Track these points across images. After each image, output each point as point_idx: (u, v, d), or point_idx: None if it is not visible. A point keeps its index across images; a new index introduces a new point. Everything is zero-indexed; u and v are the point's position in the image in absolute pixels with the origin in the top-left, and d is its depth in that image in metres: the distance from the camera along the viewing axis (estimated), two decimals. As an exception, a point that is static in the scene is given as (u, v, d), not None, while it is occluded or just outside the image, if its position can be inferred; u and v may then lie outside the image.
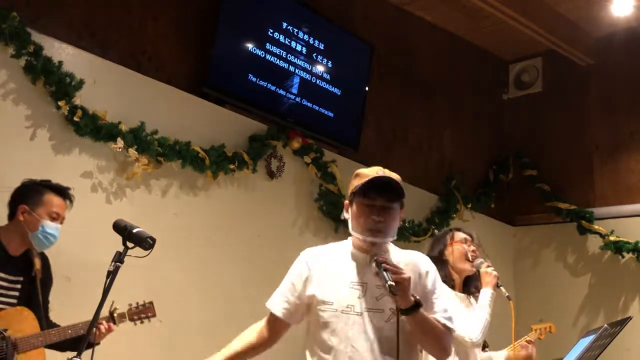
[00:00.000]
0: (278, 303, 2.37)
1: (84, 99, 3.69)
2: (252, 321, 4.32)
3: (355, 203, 2.21)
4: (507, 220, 6.37)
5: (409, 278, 2.10)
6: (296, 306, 2.33)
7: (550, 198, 6.06)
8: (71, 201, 3.02)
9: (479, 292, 3.09)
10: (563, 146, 6.22)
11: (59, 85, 3.61)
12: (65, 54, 3.74)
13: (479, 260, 3.11)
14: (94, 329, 2.84)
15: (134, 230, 2.44)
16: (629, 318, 3.04)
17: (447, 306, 2.26)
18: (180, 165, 4.09)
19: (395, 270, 2.08)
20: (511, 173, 6.38)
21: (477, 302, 3.06)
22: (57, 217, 2.92)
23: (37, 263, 2.94)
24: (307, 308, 2.31)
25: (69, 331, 2.84)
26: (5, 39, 3.47)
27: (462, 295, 3.14)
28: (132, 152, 3.84)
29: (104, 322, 2.93)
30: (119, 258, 2.37)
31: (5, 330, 2.66)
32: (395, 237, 2.27)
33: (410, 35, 5.88)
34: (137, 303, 3.13)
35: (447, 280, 3.14)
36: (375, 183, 2.18)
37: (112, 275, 2.34)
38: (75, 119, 3.64)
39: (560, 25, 5.71)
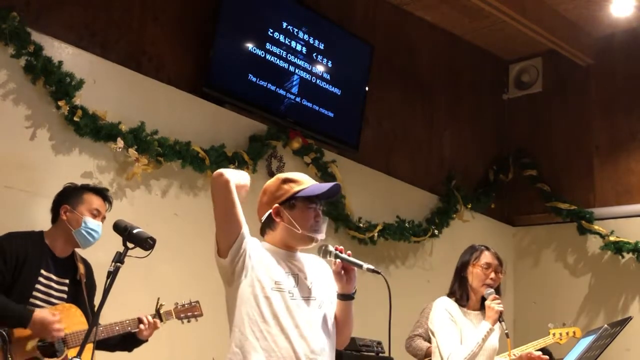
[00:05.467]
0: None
1: (84, 99, 3.69)
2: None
3: (299, 207, 2.33)
4: (507, 220, 6.37)
5: None
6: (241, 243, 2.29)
7: (550, 198, 6.07)
8: (110, 203, 3.10)
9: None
10: (563, 146, 6.22)
11: (59, 85, 3.61)
12: (65, 54, 3.74)
13: (489, 290, 3.11)
14: (136, 325, 2.98)
15: (134, 231, 2.45)
16: (629, 318, 3.04)
17: None
18: (180, 165, 4.09)
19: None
20: (511, 173, 6.38)
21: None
22: (97, 215, 3.00)
23: (81, 267, 3.02)
24: (240, 263, 2.29)
25: (117, 328, 2.93)
26: (5, 39, 3.47)
27: (475, 312, 3.16)
28: (132, 152, 3.84)
29: (149, 317, 3.01)
30: (119, 258, 2.38)
31: (5, 329, 2.67)
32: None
33: (410, 35, 5.88)
34: (184, 301, 3.22)
35: (463, 298, 3.17)
36: (327, 194, 2.34)
37: (112, 275, 2.35)
38: (75, 119, 3.64)
39: (560, 25, 5.72)
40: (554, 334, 3.83)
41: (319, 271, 2.40)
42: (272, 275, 2.28)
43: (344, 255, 2.28)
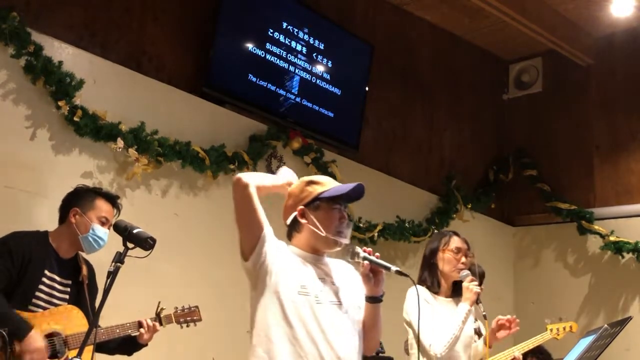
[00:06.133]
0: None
1: (84, 99, 3.69)
2: (252, 321, 4.32)
3: (323, 208, 2.33)
4: (507, 220, 6.37)
5: None
6: (264, 247, 2.27)
7: (550, 198, 6.07)
8: (119, 210, 3.09)
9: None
10: (563, 146, 6.22)
11: (59, 85, 3.61)
12: (65, 54, 3.74)
13: (465, 272, 3.11)
14: (137, 329, 2.98)
15: (134, 231, 2.45)
16: (629, 318, 3.04)
17: None
18: (180, 165, 4.09)
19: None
20: (511, 173, 6.38)
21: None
22: (105, 222, 2.99)
23: (84, 269, 3.02)
24: (264, 266, 2.27)
25: (117, 330, 2.94)
26: (5, 39, 3.47)
27: (446, 299, 3.15)
28: (132, 152, 3.84)
29: (149, 321, 3.01)
30: (119, 258, 2.39)
31: (5, 329, 2.67)
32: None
33: (410, 35, 5.88)
34: (183, 306, 3.21)
35: (434, 285, 3.15)
36: (352, 195, 2.35)
37: (112, 275, 2.36)
38: (75, 119, 3.64)
39: (560, 25, 5.72)
40: (551, 330, 3.83)
41: (346, 276, 2.38)
42: (298, 278, 2.26)
43: (372, 257, 2.25)
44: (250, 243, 2.27)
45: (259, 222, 2.27)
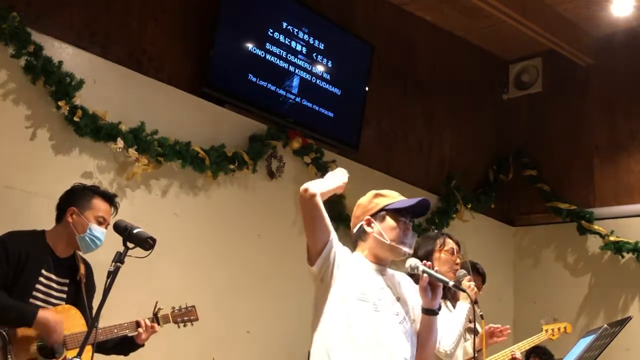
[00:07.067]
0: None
1: (84, 99, 3.70)
2: (253, 321, 4.33)
3: (389, 219, 2.46)
4: (507, 220, 6.37)
5: None
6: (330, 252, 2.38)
7: (550, 198, 6.07)
8: (116, 208, 3.08)
9: (454, 299, 3.15)
10: (563, 146, 6.22)
11: (59, 85, 3.61)
12: (65, 54, 3.74)
13: (462, 272, 3.16)
14: (134, 329, 2.97)
15: (135, 231, 2.45)
16: (629, 318, 3.04)
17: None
18: (180, 165, 4.09)
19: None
20: (511, 173, 6.38)
21: (452, 309, 3.11)
22: (103, 222, 2.98)
23: (82, 268, 3.01)
24: (329, 270, 2.38)
25: (115, 330, 2.93)
26: (5, 39, 3.47)
27: (441, 300, 3.16)
28: (132, 152, 3.84)
29: (146, 321, 3.01)
30: (119, 258, 2.38)
31: (6, 329, 2.67)
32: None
33: (410, 35, 5.88)
34: (180, 306, 3.21)
35: None
36: (417, 208, 2.49)
37: (112, 275, 2.35)
38: (75, 119, 3.64)
39: (560, 25, 5.72)
40: (546, 330, 3.86)
41: (405, 288, 2.49)
42: (359, 285, 2.37)
43: (431, 271, 2.36)
44: (317, 247, 2.38)
45: (327, 228, 2.38)
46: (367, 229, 2.47)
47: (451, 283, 2.34)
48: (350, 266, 2.41)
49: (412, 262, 2.40)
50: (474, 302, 3.06)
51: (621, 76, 5.96)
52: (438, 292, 2.38)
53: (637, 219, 5.66)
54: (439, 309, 2.41)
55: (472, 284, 3.09)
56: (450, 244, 3.21)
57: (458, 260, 3.19)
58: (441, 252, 3.18)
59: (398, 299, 2.42)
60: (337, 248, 2.40)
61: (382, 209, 2.48)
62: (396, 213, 2.47)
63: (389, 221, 2.46)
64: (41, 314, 2.71)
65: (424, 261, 2.42)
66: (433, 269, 2.38)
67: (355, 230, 2.53)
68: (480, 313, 3.08)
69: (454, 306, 3.13)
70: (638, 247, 5.49)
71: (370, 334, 2.29)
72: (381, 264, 2.47)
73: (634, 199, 5.74)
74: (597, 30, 5.95)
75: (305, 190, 2.36)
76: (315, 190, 2.35)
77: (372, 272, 2.44)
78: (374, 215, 2.49)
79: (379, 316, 2.33)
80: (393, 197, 2.53)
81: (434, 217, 5.61)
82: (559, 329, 3.88)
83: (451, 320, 3.03)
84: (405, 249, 2.44)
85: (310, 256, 2.40)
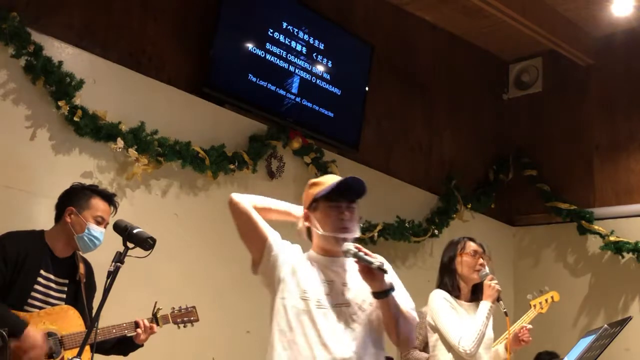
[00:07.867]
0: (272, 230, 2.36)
1: (84, 99, 3.69)
2: (253, 321, 4.33)
3: (320, 208, 2.31)
4: (507, 220, 6.37)
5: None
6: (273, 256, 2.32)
7: (550, 198, 6.07)
8: (115, 208, 3.08)
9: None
10: (563, 146, 6.22)
11: (59, 85, 3.61)
12: (65, 54, 3.74)
13: (485, 271, 3.18)
14: (133, 329, 2.98)
15: (135, 231, 2.45)
16: (629, 318, 3.04)
17: (409, 299, 2.34)
18: (180, 165, 4.09)
19: (371, 254, 2.20)
20: (511, 173, 6.38)
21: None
22: (101, 222, 2.98)
23: (82, 268, 3.01)
24: (272, 275, 2.31)
25: (114, 330, 2.93)
26: (5, 39, 3.47)
27: (467, 304, 3.20)
28: (132, 152, 3.84)
29: (145, 321, 3.01)
30: (119, 258, 2.38)
31: (5, 329, 2.67)
32: (358, 234, 2.34)
33: (410, 35, 5.88)
34: (180, 306, 3.21)
35: (454, 288, 3.20)
36: (341, 187, 2.29)
37: (112, 275, 2.35)
38: (75, 119, 3.64)
39: (560, 25, 5.72)
40: (534, 305, 3.80)
41: (359, 275, 2.30)
42: (301, 283, 2.27)
43: (360, 254, 2.18)
44: (255, 256, 2.33)
45: (260, 234, 2.32)
46: (306, 223, 2.34)
47: (376, 264, 2.12)
48: (295, 266, 2.29)
49: (345, 246, 2.21)
50: (497, 300, 3.09)
51: (621, 76, 5.96)
52: (375, 274, 2.15)
53: (637, 219, 5.66)
54: (389, 290, 2.18)
55: (495, 282, 3.11)
56: (471, 247, 3.24)
57: (481, 261, 3.20)
58: (462, 255, 3.22)
59: (351, 289, 2.27)
60: (279, 250, 2.30)
61: (313, 199, 2.32)
62: (326, 200, 2.29)
63: (321, 210, 2.29)
64: (29, 330, 2.67)
65: (355, 244, 2.23)
66: (361, 251, 2.19)
67: (298, 227, 2.40)
68: (504, 310, 3.09)
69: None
70: (638, 247, 5.49)
71: (310, 332, 2.19)
72: (331, 255, 2.32)
73: (634, 199, 5.74)
74: (597, 30, 5.94)
75: (229, 198, 2.32)
76: (236, 198, 2.31)
77: (322, 267, 2.30)
78: (309, 208, 2.33)
79: (322, 312, 2.22)
80: (324, 183, 2.33)
81: (434, 217, 5.61)
82: (546, 300, 3.79)
83: (472, 320, 3.06)
84: (340, 235, 2.26)
85: (253, 264, 2.35)
